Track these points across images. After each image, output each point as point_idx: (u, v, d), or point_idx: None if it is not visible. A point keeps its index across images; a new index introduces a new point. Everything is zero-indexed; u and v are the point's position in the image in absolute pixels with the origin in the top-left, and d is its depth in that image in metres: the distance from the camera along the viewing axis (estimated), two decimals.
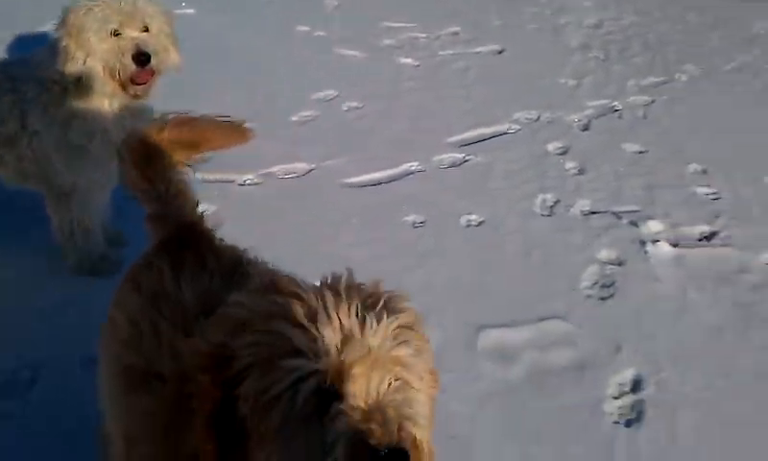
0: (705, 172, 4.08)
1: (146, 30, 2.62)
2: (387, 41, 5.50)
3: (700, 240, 3.52)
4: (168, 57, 2.72)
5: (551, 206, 3.70)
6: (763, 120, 4.69)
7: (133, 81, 2.62)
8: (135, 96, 2.68)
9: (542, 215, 3.64)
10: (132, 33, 2.58)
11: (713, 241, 3.51)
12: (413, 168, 3.95)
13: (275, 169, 3.86)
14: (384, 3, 6.27)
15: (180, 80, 2.96)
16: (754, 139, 4.45)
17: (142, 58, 2.55)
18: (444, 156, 4.09)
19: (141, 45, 2.56)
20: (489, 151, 4.16)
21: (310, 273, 1.32)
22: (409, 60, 5.22)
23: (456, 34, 5.73)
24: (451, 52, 5.40)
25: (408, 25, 5.80)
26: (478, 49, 5.49)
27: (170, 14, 2.78)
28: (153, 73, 2.65)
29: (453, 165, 4.02)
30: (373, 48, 5.36)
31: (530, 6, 6.48)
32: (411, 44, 5.50)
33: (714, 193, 3.88)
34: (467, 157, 4.07)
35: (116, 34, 2.57)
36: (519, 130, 4.41)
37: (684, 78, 5.27)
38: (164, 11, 2.74)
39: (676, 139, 4.41)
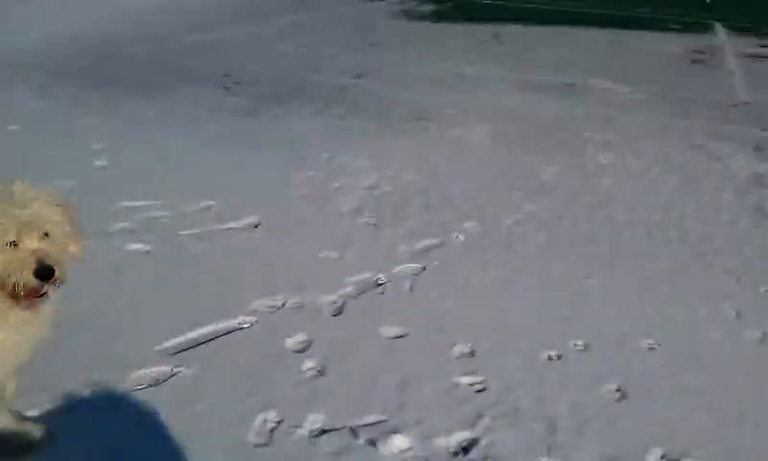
0: (472, 354, 3.40)
1: (46, 235, 2.25)
2: (119, 225, 4.60)
3: (456, 455, 2.75)
4: (70, 254, 2.40)
5: (271, 430, 2.85)
6: (498, 283, 4.15)
7: (33, 294, 2.24)
8: (29, 308, 2.28)
9: (255, 445, 2.76)
10: (32, 243, 2.20)
11: (471, 454, 2.75)
12: (97, 395, 3.01)
13: None
14: (129, 179, 5.41)
15: None
16: (532, 307, 3.86)
17: (45, 272, 2.18)
18: (147, 371, 3.18)
19: (43, 258, 2.19)
20: (207, 357, 3.29)
21: None
22: (139, 246, 4.34)
23: (209, 208, 4.94)
24: (196, 231, 4.58)
25: (152, 202, 4.94)
26: (230, 225, 4.71)
27: (71, 208, 2.41)
28: (54, 284, 2.27)
29: (155, 383, 3.11)
30: (100, 234, 4.42)
31: (306, 170, 5.85)
32: (149, 225, 4.63)
33: (480, 383, 3.19)
34: (175, 370, 3.18)
35: (14, 244, 2.18)
36: (255, 322, 3.60)
37: (461, 237, 4.73)
38: (64, 205, 2.37)
39: (443, 315, 3.75)
